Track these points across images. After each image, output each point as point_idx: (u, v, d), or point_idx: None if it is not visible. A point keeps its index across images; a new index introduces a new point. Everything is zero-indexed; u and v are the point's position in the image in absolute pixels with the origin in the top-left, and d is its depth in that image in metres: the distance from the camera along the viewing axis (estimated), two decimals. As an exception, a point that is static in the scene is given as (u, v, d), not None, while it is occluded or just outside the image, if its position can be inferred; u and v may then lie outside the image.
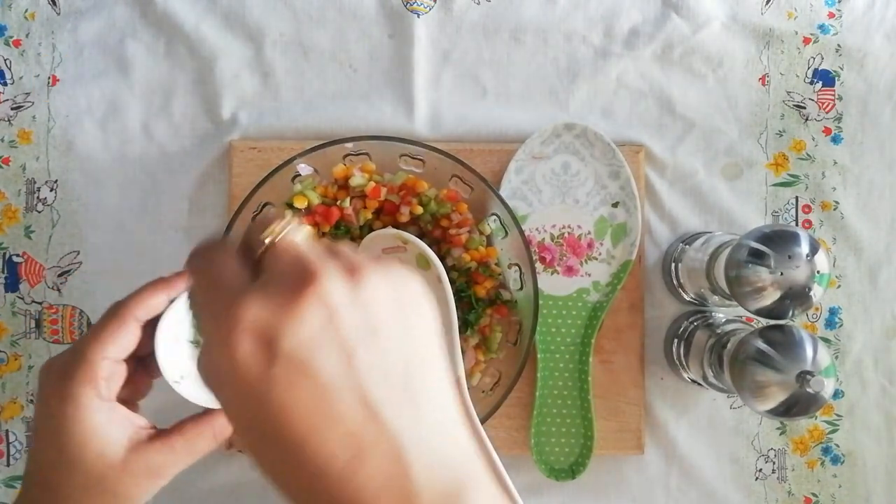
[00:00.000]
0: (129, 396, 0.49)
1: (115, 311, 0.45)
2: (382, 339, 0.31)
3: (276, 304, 0.29)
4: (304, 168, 0.63)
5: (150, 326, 0.47)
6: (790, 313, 0.55)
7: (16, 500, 0.44)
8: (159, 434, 0.45)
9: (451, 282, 0.59)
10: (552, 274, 0.68)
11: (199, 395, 0.49)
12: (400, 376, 0.31)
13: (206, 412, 0.48)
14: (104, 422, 0.43)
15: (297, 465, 0.30)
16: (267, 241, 0.32)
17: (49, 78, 0.70)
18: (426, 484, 0.30)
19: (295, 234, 0.33)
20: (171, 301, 0.48)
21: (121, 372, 0.45)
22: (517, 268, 0.64)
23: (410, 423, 0.30)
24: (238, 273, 0.32)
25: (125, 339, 0.44)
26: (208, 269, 0.33)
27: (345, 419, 0.29)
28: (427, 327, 0.33)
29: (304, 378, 0.29)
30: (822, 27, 0.72)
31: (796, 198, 0.71)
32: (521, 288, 0.64)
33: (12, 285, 0.68)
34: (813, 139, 0.71)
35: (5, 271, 0.69)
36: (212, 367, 0.31)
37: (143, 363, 0.48)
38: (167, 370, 0.48)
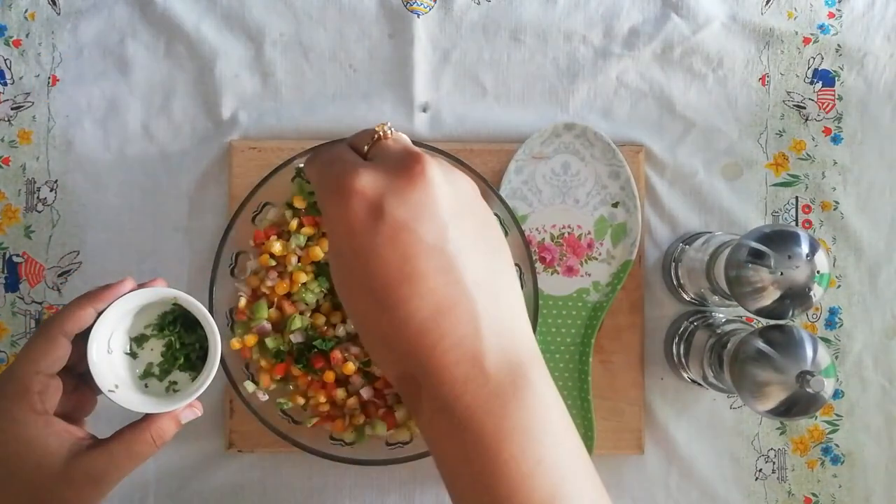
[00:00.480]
0: (74, 412, 0.51)
1: (44, 328, 0.46)
2: (469, 223, 0.36)
3: (387, 177, 0.35)
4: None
5: (84, 341, 0.48)
6: (790, 313, 0.55)
7: None
8: (98, 443, 0.47)
9: None
10: (552, 274, 0.68)
11: (134, 402, 0.50)
12: (481, 257, 0.36)
13: (145, 418, 0.50)
14: (40, 434, 0.44)
15: (387, 311, 0.35)
16: (378, 132, 0.38)
17: (49, 78, 0.70)
18: (494, 350, 0.34)
19: (399, 134, 0.39)
20: (100, 313, 0.49)
21: (55, 385, 0.47)
22: (517, 268, 0.64)
23: (486, 299, 0.35)
24: (353, 155, 0.38)
25: (55, 354, 0.46)
26: (327, 153, 0.39)
27: (432, 277, 0.34)
28: (498, 229, 0.39)
29: (404, 236, 0.34)
30: (822, 27, 0.72)
31: (796, 198, 0.71)
32: (522, 288, 0.64)
33: (12, 285, 0.68)
34: (813, 139, 0.71)
35: (5, 271, 0.69)
36: (329, 225, 0.37)
37: (84, 379, 0.50)
38: (101, 380, 0.49)
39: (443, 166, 0.37)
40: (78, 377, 0.50)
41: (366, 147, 0.39)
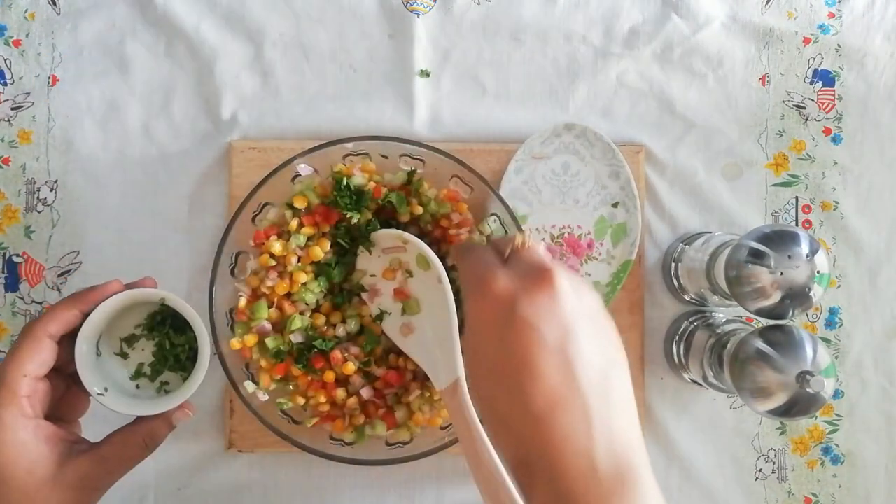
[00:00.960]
0: (67, 413, 0.50)
1: (29, 330, 0.46)
2: (590, 328, 0.40)
3: (521, 282, 0.41)
4: (304, 168, 0.63)
5: (72, 342, 0.48)
6: (790, 313, 0.55)
7: None
8: (90, 447, 0.47)
9: (451, 282, 0.59)
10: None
11: (123, 405, 0.49)
12: (597, 360, 0.40)
13: (136, 421, 0.50)
14: (30, 439, 0.44)
15: (509, 394, 0.39)
16: (517, 242, 0.45)
17: (49, 78, 0.70)
18: (604, 447, 0.38)
19: (536, 244, 0.45)
20: (86, 315, 0.48)
21: (44, 389, 0.47)
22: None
23: (599, 400, 0.39)
24: (494, 258, 0.44)
25: (41, 356, 0.46)
26: (475, 253, 0.46)
27: (551, 374, 0.39)
28: (616, 337, 0.43)
29: (529, 333, 0.39)
30: (822, 27, 0.72)
31: (796, 198, 0.71)
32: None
33: (12, 285, 0.68)
34: (813, 139, 0.71)
35: (5, 271, 0.69)
36: (469, 314, 0.43)
37: (76, 379, 0.49)
38: (90, 383, 0.48)
39: (571, 279, 0.42)
40: (69, 378, 0.50)
41: (507, 252, 0.45)
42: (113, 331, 0.53)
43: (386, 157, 0.64)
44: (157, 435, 0.50)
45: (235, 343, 0.61)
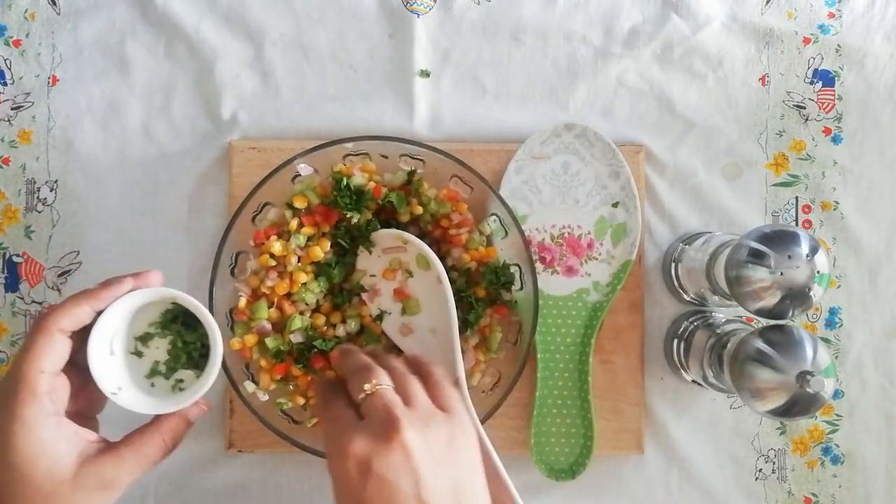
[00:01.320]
0: (86, 409, 0.50)
1: (41, 326, 0.45)
2: (441, 468, 0.46)
3: (373, 442, 0.45)
4: (304, 168, 0.63)
5: (83, 338, 0.47)
6: (790, 313, 0.55)
7: None
8: (109, 447, 0.46)
9: (451, 282, 0.59)
10: (552, 274, 0.68)
11: (138, 403, 0.49)
12: (452, 492, 0.46)
13: (154, 420, 0.49)
14: (51, 438, 0.44)
15: None
16: (365, 392, 0.48)
17: (49, 78, 0.70)
18: None
19: (385, 390, 0.48)
20: (99, 313, 0.48)
21: (62, 384, 0.46)
22: (517, 268, 0.64)
23: None
24: (347, 413, 0.48)
25: (55, 352, 0.45)
26: (331, 410, 0.49)
27: None
28: (473, 462, 0.49)
29: (386, 488, 0.44)
30: (822, 27, 0.72)
31: (796, 198, 0.71)
32: (521, 288, 0.64)
33: (12, 285, 0.68)
34: (813, 139, 0.71)
35: (5, 271, 0.69)
36: (331, 473, 0.46)
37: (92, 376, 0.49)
38: (102, 382, 0.48)
39: (416, 424, 0.46)
40: (85, 373, 0.49)
41: (360, 396, 0.48)
42: (125, 329, 0.52)
43: (386, 157, 0.64)
44: (177, 433, 0.49)
45: (235, 343, 0.61)
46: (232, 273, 0.63)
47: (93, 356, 0.48)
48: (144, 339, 0.53)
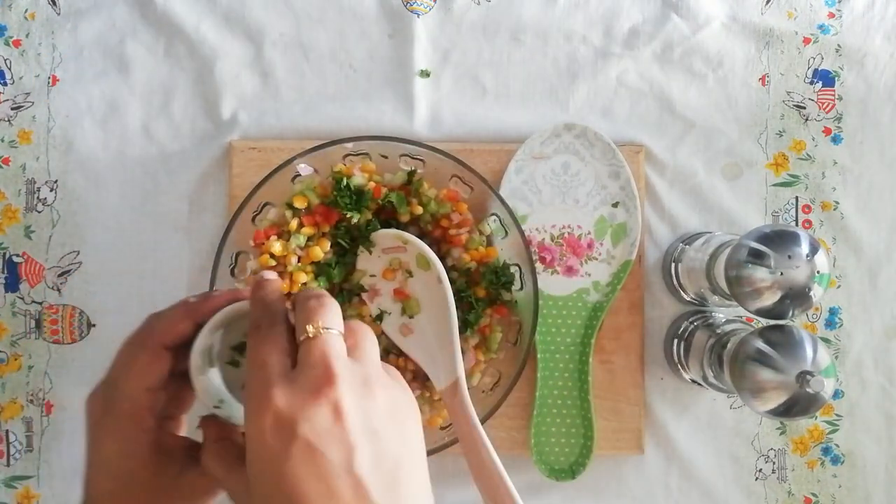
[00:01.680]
0: (173, 411, 0.49)
1: (145, 341, 0.45)
2: (380, 440, 0.38)
3: (300, 398, 0.37)
4: (304, 168, 0.63)
5: (184, 346, 0.47)
6: (790, 313, 0.55)
7: None
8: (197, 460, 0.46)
9: (451, 282, 0.59)
10: (552, 274, 0.68)
11: (239, 415, 0.48)
12: (390, 472, 0.38)
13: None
14: (151, 452, 0.44)
15: None
16: (307, 333, 0.39)
17: (49, 78, 0.70)
18: None
19: (329, 338, 0.39)
20: (199, 326, 0.47)
21: (161, 399, 0.46)
22: (517, 268, 0.64)
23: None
24: (279, 359, 0.39)
25: (161, 370, 0.45)
26: (258, 352, 0.40)
27: (341, 498, 0.36)
28: (416, 440, 0.40)
29: (313, 459, 0.36)
30: (821, 27, 0.72)
31: (796, 198, 0.71)
32: (521, 288, 0.64)
33: (12, 285, 0.68)
34: (813, 139, 0.71)
35: (5, 271, 0.69)
36: (248, 436, 0.38)
37: (185, 377, 0.47)
38: (205, 397, 0.46)
39: (357, 382, 0.38)
40: (179, 380, 0.48)
41: (301, 338, 0.40)
42: (221, 339, 0.51)
43: (386, 157, 0.64)
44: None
45: None
46: (232, 273, 0.63)
47: (194, 371, 0.46)
48: (240, 348, 0.52)
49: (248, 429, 0.38)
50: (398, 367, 0.62)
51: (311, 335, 0.39)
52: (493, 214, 0.64)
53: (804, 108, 0.71)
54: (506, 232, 0.64)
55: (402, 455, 0.39)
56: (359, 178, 0.62)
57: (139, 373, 0.44)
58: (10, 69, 0.70)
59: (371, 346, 0.42)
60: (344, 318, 0.63)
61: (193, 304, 0.47)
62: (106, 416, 0.44)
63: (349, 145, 0.63)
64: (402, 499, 0.38)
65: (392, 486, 0.38)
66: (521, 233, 0.62)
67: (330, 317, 0.40)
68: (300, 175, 0.63)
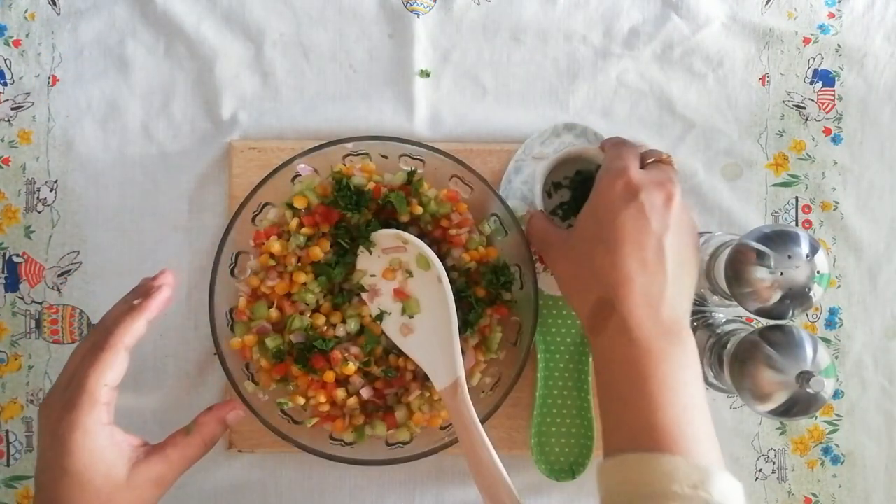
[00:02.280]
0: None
1: (107, 342, 0.49)
2: (681, 232, 0.52)
3: (649, 179, 0.52)
4: (304, 168, 0.63)
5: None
6: (790, 313, 0.55)
7: None
8: (154, 448, 0.51)
9: (451, 282, 0.59)
10: (552, 274, 0.68)
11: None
12: (681, 253, 0.51)
13: (194, 422, 0.53)
14: (107, 445, 0.48)
15: (609, 252, 0.51)
16: (662, 155, 0.56)
17: (49, 78, 0.70)
18: (667, 309, 0.50)
19: (672, 164, 0.56)
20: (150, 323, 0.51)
21: (115, 396, 0.50)
22: (517, 268, 0.64)
23: (674, 280, 0.51)
24: (634, 156, 0.55)
25: (120, 368, 0.50)
26: (623, 147, 0.57)
27: (646, 249, 0.51)
28: (698, 247, 0.55)
29: (642, 217, 0.51)
30: (822, 27, 0.72)
31: (796, 198, 0.71)
32: (522, 288, 0.64)
33: (12, 285, 0.68)
34: (813, 139, 0.71)
35: (5, 271, 0.69)
36: (598, 187, 0.54)
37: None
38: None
39: (682, 198, 0.53)
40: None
41: (648, 161, 0.55)
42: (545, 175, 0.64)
43: (386, 157, 0.64)
44: (215, 434, 0.54)
45: (235, 343, 0.61)
46: (232, 273, 0.63)
47: (538, 194, 0.62)
48: (556, 185, 0.66)
49: (600, 186, 0.54)
50: (398, 368, 0.62)
51: (659, 158, 0.55)
52: (493, 215, 0.64)
53: (804, 108, 0.71)
54: (505, 232, 0.64)
55: (690, 255, 0.53)
56: (359, 178, 0.62)
57: (101, 369, 0.48)
58: (10, 69, 0.70)
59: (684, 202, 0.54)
60: (344, 319, 0.65)
61: (143, 304, 0.51)
62: (65, 412, 0.48)
63: (349, 145, 0.63)
64: (681, 280, 0.51)
65: (678, 268, 0.51)
66: (522, 233, 0.62)
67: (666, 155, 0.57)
68: (300, 175, 0.63)
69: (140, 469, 0.49)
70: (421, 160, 0.64)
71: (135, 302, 0.52)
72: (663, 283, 0.50)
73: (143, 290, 0.53)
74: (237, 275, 0.63)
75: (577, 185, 0.67)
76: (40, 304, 0.68)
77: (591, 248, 0.52)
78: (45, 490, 0.48)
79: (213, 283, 0.60)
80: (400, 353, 0.62)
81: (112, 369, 0.49)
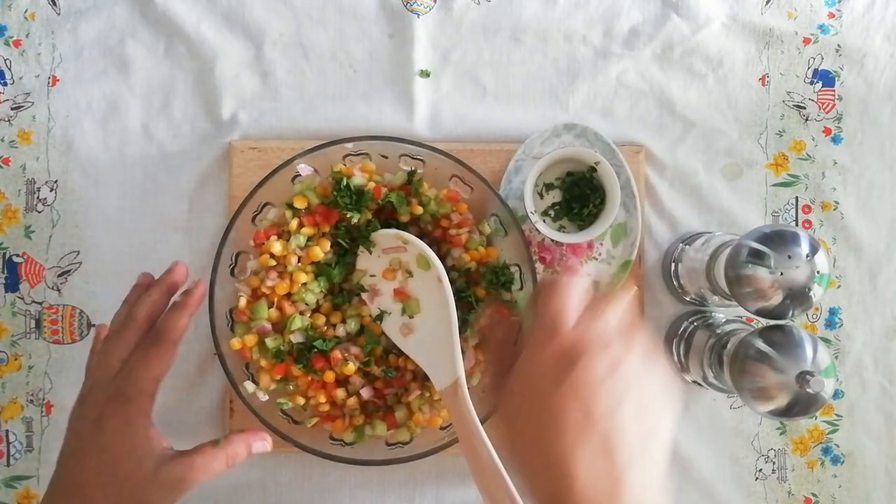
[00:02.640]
0: None
1: (162, 338, 0.52)
2: (637, 401, 0.42)
3: (589, 344, 0.42)
4: (304, 168, 0.63)
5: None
6: (790, 313, 0.55)
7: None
8: (180, 453, 0.52)
9: (451, 282, 0.59)
10: (552, 274, 0.68)
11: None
12: (637, 433, 0.42)
13: (226, 437, 0.55)
14: (143, 438, 0.50)
15: (546, 450, 0.41)
16: (603, 301, 0.44)
17: (49, 78, 0.70)
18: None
19: (613, 309, 0.44)
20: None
21: (158, 389, 0.52)
22: (517, 268, 0.64)
23: (633, 473, 0.41)
24: (574, 307, 0.44)
25: (169, 362, 0.52)
26: (558, 293, 0.45)
27: (590, 446, 0.41)
28: (665, 403, 0.44)
29: (577, 404, 0.41)
30: (822, 27, 0.72)
31: (796, 198, 0.71)
32: (522, 288, 0.64)
33: (12, 285, 0.68)
34: (813, 139, 0.71)
35: (5, 271, 0.69)
36: (529, 354, 0.44)
37: None
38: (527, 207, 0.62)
39: (634, 353, 0.43)
40: None
41: (590, 306, 0.45)
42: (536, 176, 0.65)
43: (386, 157, 0.64)
44: (239, 454, 0.54)
45: (235, 343, 0.61)
46: (232, 273, 0.63)
47: (528, 192, 0.62)
48: (549, 186, 0.67)
49: (528, 350, 0.44)
50: (398, 368, 0.62)
51: (604, 303, 0.45)
52: (493, 215, 0.64)
53: (804, 108, 0.71)
54: (505, 232, 0.64)
55: (654, 425, 0.43)
56: (359, 178, 0.62)
57: (153, 363, 0.51)
58: (10, 69, 0.70)
59: (648, 353, 0.45)
60: (344, 319, 0.65)
61: (187, 302, 0.55)
62: (113, 400, 0.50)
63: (349, 145, 0.63)
64: (642, 466, 0.41)
65: (637, 454, 0.41)
66: (521, 233, 0.62)
67: (620, 310, 0.45)
68: (300, 175, 0.63)
69: (166, 468, 0.50)
70: (421, 160, 0.64)
71: (176, 299, 0.55)
72: (617, 477, 0.41)
73: (168, 284, 0.56)
74: (237, 275, 0.63)
75: (569, 186, 0.67)
76: (40, 304, 0.68)
77: (528, 425, 0.44)
78: (69, 473, 0.49)
79: (212, 283, 0.60)
80: (400, 353, 0.62)
81: (163, 365, 0.52)
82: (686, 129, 0.71)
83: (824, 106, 0.72)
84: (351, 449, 0.62)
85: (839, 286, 0.70)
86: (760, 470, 0.69)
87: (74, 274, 0.69)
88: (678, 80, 0.71)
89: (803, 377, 0.52)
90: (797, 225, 0.71)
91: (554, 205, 0.67)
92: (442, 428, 0.63)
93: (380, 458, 0.60)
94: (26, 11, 0.70)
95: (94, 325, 0.68)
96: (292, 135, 0.70)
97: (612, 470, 0.41)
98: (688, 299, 0.68)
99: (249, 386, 0.61)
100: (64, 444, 0.51)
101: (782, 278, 0.53)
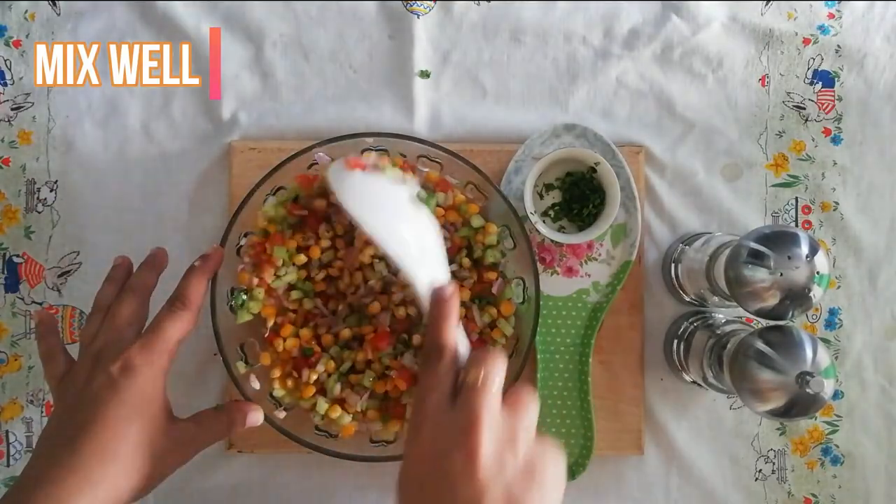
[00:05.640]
0: None
1: (187, 303, 0.54)
2: (505, 492, 0.41)
3: (453, 437, 0.42)
4: (321, 157, 0.62)
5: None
6: (790, 314, 0.55)
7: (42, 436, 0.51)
8: (188, 417, 0.54)
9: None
10: (552, 275, 0.68)
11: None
12: None
13: (226, 405, 0.57)
14: (161, 391, 0.52)
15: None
16: (469, 378, 0.44)
17: (49, 78, 0.70)
18: None
19: (494, 380, 0.44)
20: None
21: (176, 350, 0.54)
22: (521, 281, 0.64)
23: None
24: (443, 395, 0.44)
25: (191, 326, 0.54)
26: (425, 384, 0.45)
27: None
28: (551, 484, 0.43)
29: (444, 492, 0.41)
30: (821, 28, 0.72)
31: (796, 198, 0.71)
32: (524, 302, 0.64)
33: (12, 285, 0.68)
34: (813, 140, 0.71)
35: (5, 271, 0.69)
36: (405, 458, 0.44)
37: None
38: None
39: (504, 434, 0.42)
40: None
41: (460, 383, 0.44)
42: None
43: (404, 156, 0.63)
44: (237, 423, 0.57)
45: (244, 315, 0.61)
46: (238, 253, 0.62)
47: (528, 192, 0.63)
48: (549, 186, 0.67)
49: (406, 444, 0.45)
50: (403, 369, 0.62)
51: (471, 384, 0.43)
52: (504, 226, 0.64)
53: (804, 108, 0.71)
54: (514, 244, 0.64)
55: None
56: (391, 171, 0.61)
57: (180, 326, 0.53)
58: (10, 69, 0.70)
59: (529, 410, 0.45)
60: (366, 279, 0.63)
61: (208, 265, 0.56)
62: (140, 349, 0.51)
63: (369, 140, 0.62)
64: None
65: None
66: (530, 247, 0.61)
67: (495, 373, 0.44)
68: (317, 164, 0.62)
69: (176, 424, 0.53)
70: (439, 163, 0.63)
71: (196, 263, 0.56)
72: None
73: (155, 265, 0.57)
74: (242, 255, 0.62)
75: (569, 186, 0.67)
76: (40, 304, 0.68)
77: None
78: (85, 409, 0.50)
79: (212, 283, 0.60)
80: (402, 355, 0.62)
81: (186, 328, 0.53)
82: (686, 129, 0.71)
83: (824, 106, 0.72)
84: (355, 446, 0.62)
85: (839, 287, 0.70)
86: (760, 470, 0.69)
87: (74, 274, 0.69)
88: (678, 80, 0.71)
89: (803, 378, 0.52)
90: (797, 225, 0.71)
91: (554, 205, 0.67)
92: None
93: (380, 456, 0.60)
94: (26, 12, 0.70)
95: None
96: (292, 135, 0.70)
97: None
98: (688, 300, 0.68)
99: (255, 383, 0.61)
100: (57, 403, 0.52)
101: (782, 279, 0.53)
